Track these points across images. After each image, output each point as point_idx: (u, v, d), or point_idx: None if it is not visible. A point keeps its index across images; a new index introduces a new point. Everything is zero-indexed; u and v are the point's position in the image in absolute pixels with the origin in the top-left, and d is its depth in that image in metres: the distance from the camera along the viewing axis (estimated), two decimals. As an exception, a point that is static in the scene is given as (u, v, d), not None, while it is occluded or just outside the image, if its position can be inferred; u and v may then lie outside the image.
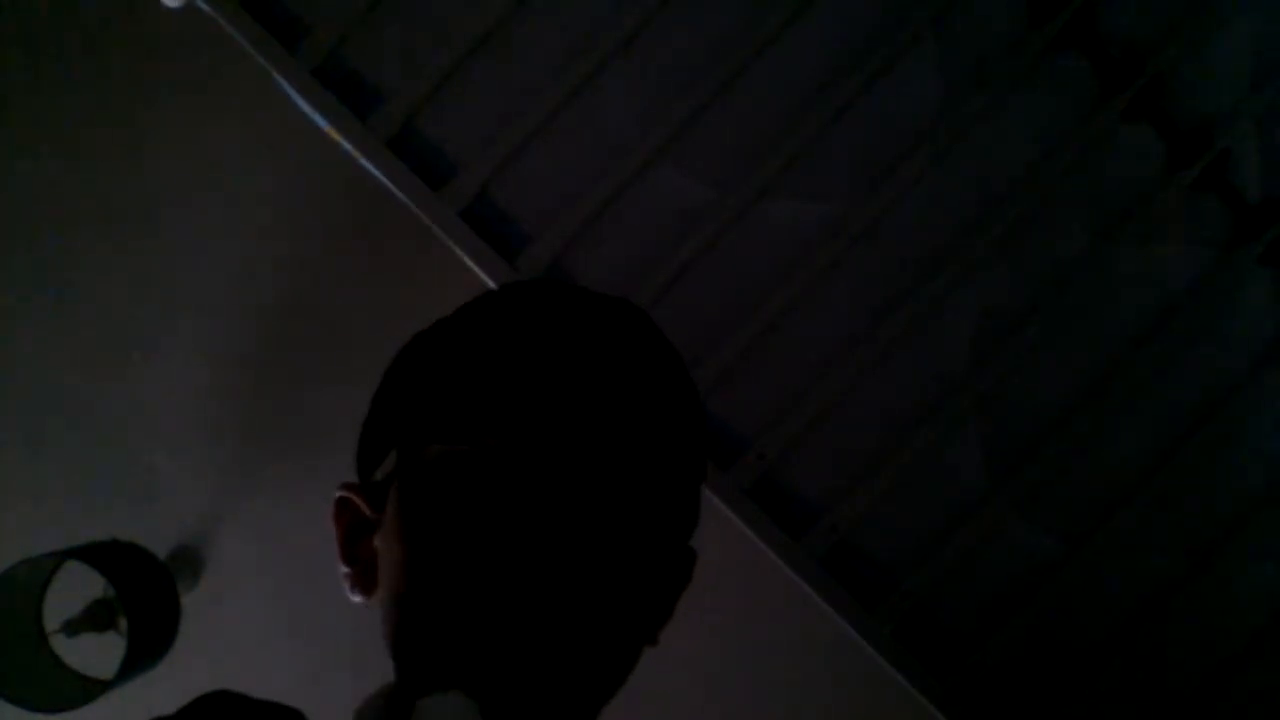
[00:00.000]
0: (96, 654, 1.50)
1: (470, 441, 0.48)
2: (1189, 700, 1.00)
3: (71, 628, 1.52)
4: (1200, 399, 1.00)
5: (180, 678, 1.51)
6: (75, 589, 1.52)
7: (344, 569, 0.56)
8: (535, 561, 0.46)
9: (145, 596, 1.48)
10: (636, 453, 0.49)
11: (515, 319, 0.53)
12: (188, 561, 1.66)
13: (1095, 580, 1.00)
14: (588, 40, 0.98)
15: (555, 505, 0.47)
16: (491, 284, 0.99)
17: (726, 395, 1.00)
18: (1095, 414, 1.00)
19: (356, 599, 0.55)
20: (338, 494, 0.56)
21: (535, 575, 0.46)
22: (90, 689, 1.45)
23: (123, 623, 1.51)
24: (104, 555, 1.47)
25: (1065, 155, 0.99)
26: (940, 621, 1.00)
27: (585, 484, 0.48)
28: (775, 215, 1.00)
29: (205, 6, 0.96)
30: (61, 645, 1.52)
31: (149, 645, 1.47)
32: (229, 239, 1.66)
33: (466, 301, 0.57)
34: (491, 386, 0.50)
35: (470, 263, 0.99)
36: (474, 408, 0.49)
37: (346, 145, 0.99)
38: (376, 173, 0.98)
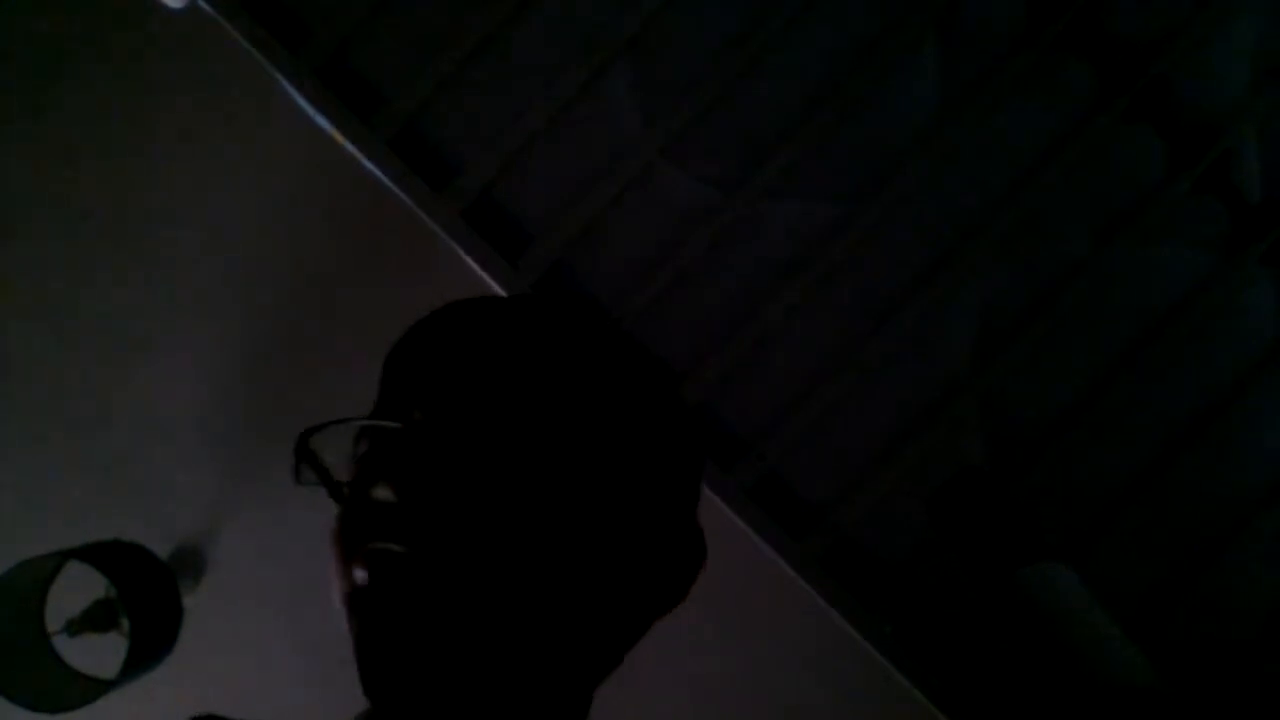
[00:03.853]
0: (98, 654, 1.51)
1: (403, 416, 0.49)
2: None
3: (73, 628, 1.52)
4: (1201, 399, 1.00)
5: (182, 678, 1.51)
6: (77, 589, 1.52)
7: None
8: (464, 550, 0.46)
9: (147, 597, 1.48)
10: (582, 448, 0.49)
11: (484, 317, 0.54)
12: (190, 562, 1.66)
13: (1096, 580, 0.99)
14: (591, 40, 0.98)
15: (491, 479, 0.47)
16: (494, 284, 0.99)
17: (728, 395, 1.00)
18: (1096, 414, 1.00)
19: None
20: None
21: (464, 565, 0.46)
22: (92, 689, 1.45)
23: (125, 623, 1.51)
24: (106, 555, 1.47)
25: (1067, 156, 0.99)
26: (941, 621, 1.00)
27: (523, 458, 0.47)
28: (777, 216, 1.00)
29: (208, 8, 0.96)
30: (63, 645, 1.52)
31: (151, 645, 1.47)
32: (231, 239, 1.66)
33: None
34: (429, 366, 0.51)
35: (472, 263, 0.99)
36: (412, 385, 0.51)
37: (349, 145, 0.99)
38: (379, 173, 0.99)
